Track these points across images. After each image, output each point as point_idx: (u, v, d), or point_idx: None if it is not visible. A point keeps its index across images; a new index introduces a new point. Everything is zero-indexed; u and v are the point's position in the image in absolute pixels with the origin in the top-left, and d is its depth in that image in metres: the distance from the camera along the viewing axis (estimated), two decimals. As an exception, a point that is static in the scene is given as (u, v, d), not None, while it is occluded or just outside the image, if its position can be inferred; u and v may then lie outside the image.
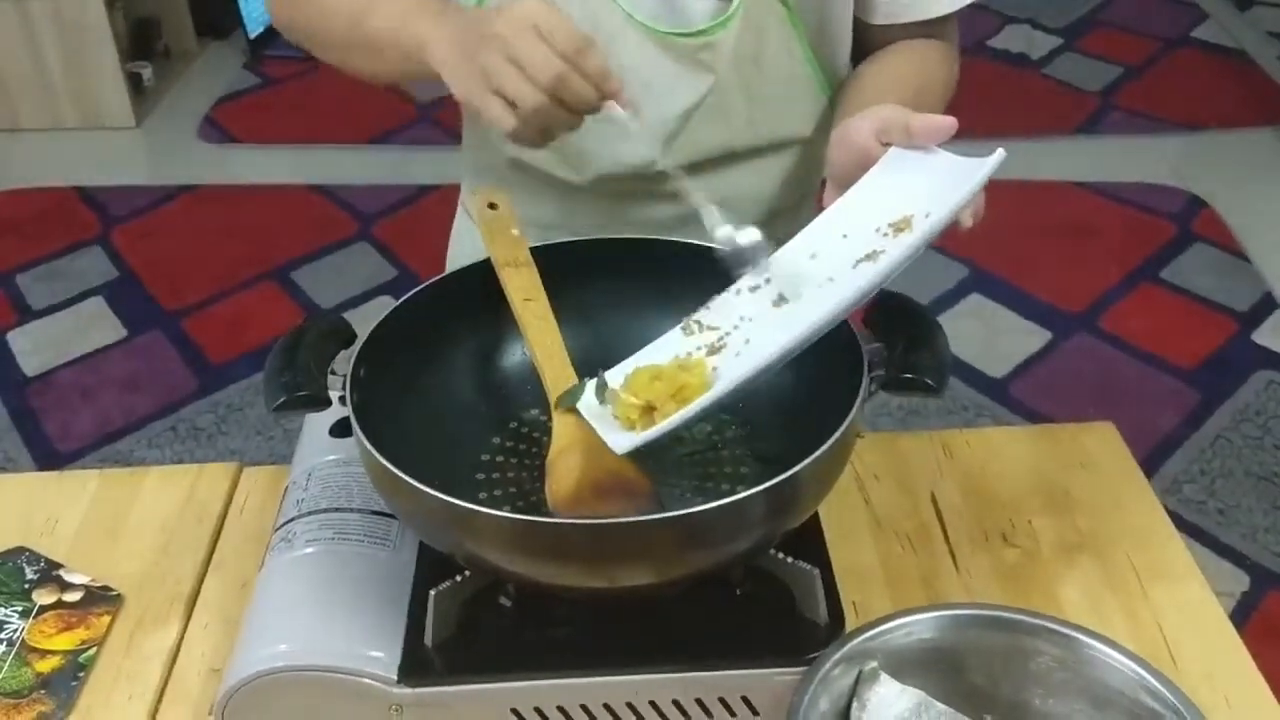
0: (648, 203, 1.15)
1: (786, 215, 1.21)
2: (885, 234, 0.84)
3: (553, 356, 0.94)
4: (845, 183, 0.90)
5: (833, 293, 0.83)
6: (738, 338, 0.88)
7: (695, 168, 1.14)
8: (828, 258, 0.87)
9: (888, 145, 0.89)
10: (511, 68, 0.83)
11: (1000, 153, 0.82)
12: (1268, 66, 3.89)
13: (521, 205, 1.03)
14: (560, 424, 0.91)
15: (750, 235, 0.88)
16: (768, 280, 0.89)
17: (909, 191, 0.86)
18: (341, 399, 0.87)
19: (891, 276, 0.82)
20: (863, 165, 0.89)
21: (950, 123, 0.86)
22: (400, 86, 0.98)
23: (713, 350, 0.88)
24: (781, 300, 0.88)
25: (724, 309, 0.90)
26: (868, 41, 1.12)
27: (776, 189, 1.19)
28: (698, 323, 0.91)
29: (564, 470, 0.88)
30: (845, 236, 0.87)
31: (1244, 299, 2.87)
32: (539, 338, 0.94)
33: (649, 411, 0.84)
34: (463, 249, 1.30)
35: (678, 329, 0.91)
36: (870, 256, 0.83)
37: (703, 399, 0.81)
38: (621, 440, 0.83)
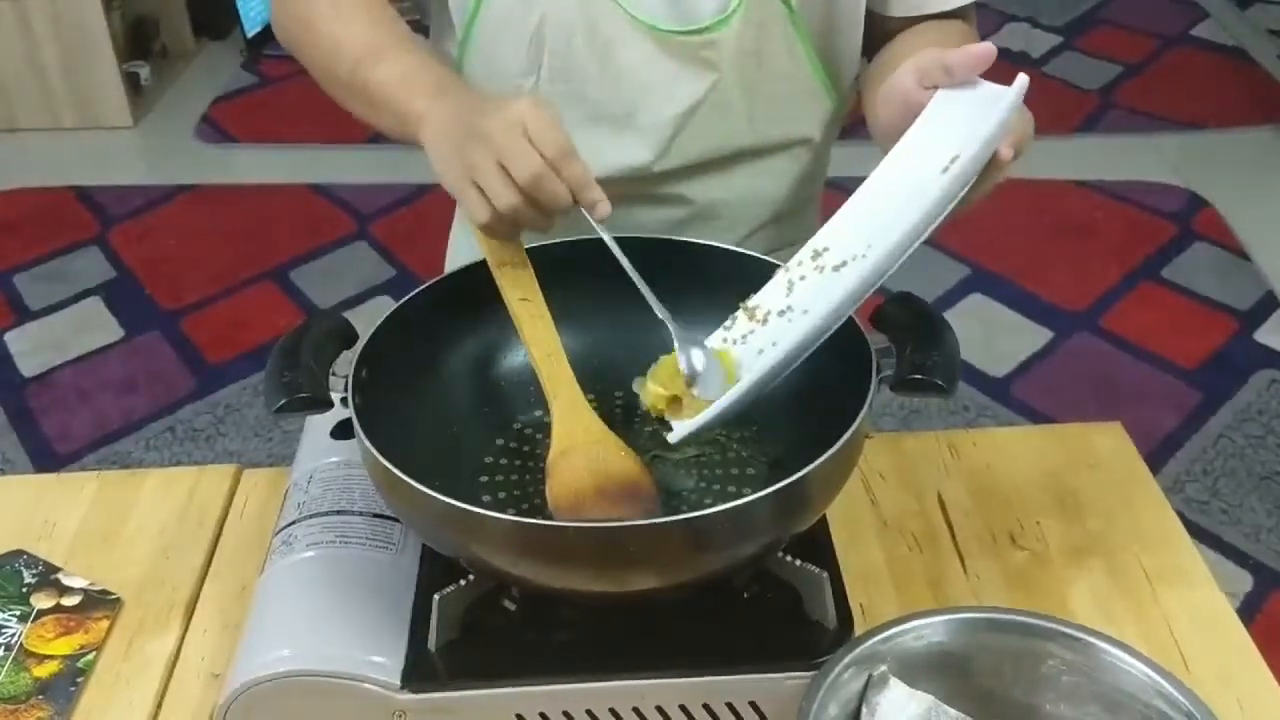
0: (646, 206, 1.14)
1: (788, 219, 1.20)
2: (933, 179, 0.83)
3: (550, 357, 0.93)
4: (890, 141, 0.89)
5: (876, 250, 0.82)
6: (798, 308, 0.87)
7: (696, 169, 1.13)
8: (880, 212, 0.85)
9: (932, 90, 0.87)
10: (495, 166, 0.85)
11: (1023, 78, 0.80)
12: (1268, 65, 3.88)
13: None
14: (560, 426, 0.90)
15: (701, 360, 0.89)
16: (826, 249, 0.88)
17: (956, 131, 0.84)
18: (343, 400, 0.86)
19: (938, 218, 0.81)
20: (910, 118, 0.88)
21: (988, 49, 0.84)
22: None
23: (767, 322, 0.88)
24: (842, 265, 0.86)
25: (780, 283, 0.90)
26: (886, 37, 1.10)
27: (778, 192, 1.18)
28: (756, 306, 0.90)
29: (565, 472, 0.88)
30: (896, 189, 0.85)
31: (1245, 298, 2.86)
32: (536, 338, 0.93)
33: (676, 401, 0.85)
34: (461, 249, 1.29)
35: (740, 312, 0.90)
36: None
37: (746, 380, 0.82)
38: (676, 430, 0.85)
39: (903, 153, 0.87)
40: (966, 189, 0.83)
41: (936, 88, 0.87)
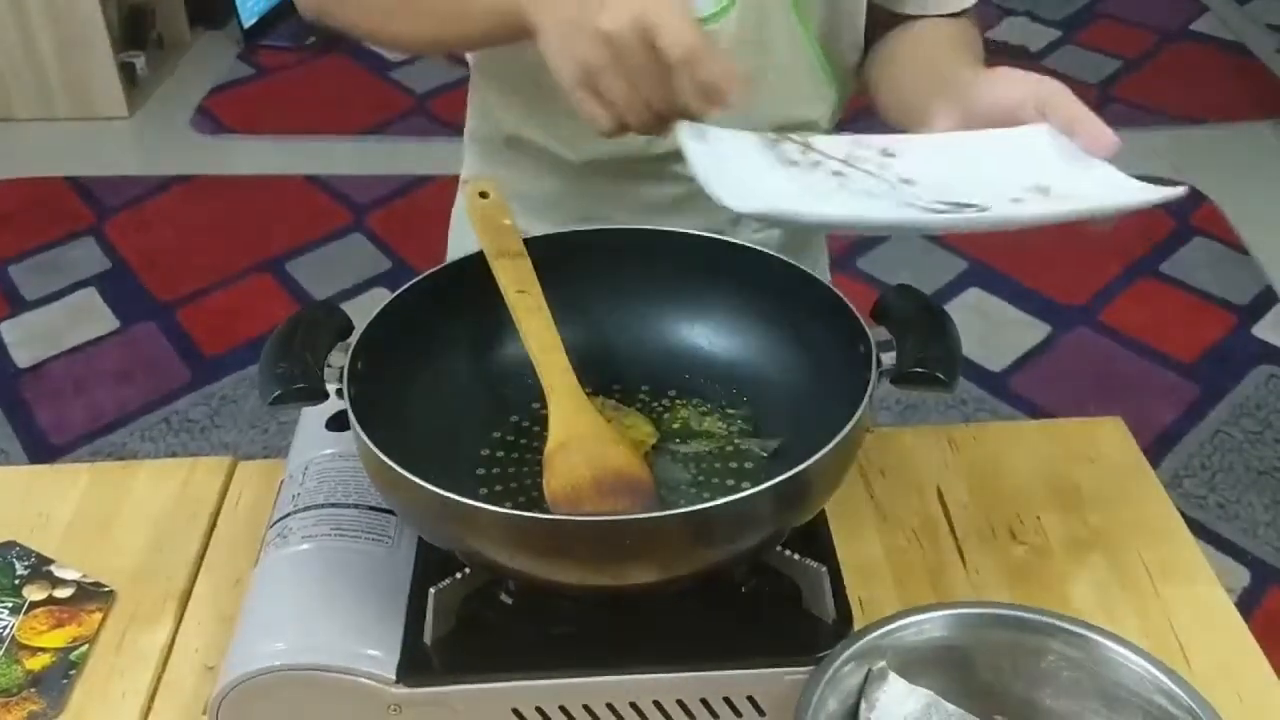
0: (646, 183, 1.13)
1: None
2: (1030, 191, 0.85)
3: (548, 349, 0.92)
4: (970, 119, 0.89)
5: (993, 206, 0.82)
6: (852, 186, 0.85)
7: None
8: (966, 176, 0.85)
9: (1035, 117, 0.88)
10: (617, 79, 0.77)
11: (1182, 190, 0.83)
12: (1267, 60, 3.88)
13: (519, 182, 1.01)
14: (557, 419, 0.89)
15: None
16: (894, 155, 0.87)
17: (1052, 170, 0.86)
18: (338, 392, 0.85)
19: (1031, 224, 0.83)
20: (1000, 120, 0.88)
21: (1114, 142, 0.86)
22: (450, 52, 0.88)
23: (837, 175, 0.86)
24: (905, 183, 0.85)
25: (841, 141, 0.88)
26: (885, 29, 1.09)
27: None
28: (807, 144, 0.87)
29: (561, 465, 0.87)
30: (983, 168, 0.86)
31: (1244, 293, 2.86)
32: (533, 330, 0.92)
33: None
34: (464, 237, 1.28)
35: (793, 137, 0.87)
36: (1020, 200, 0.84)
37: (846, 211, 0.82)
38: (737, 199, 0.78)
39: (1009, 142, 0.88)
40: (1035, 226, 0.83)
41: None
